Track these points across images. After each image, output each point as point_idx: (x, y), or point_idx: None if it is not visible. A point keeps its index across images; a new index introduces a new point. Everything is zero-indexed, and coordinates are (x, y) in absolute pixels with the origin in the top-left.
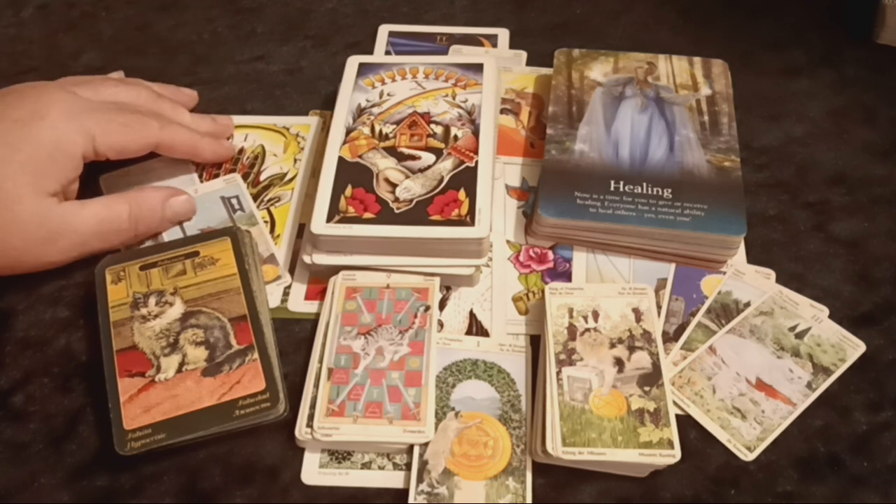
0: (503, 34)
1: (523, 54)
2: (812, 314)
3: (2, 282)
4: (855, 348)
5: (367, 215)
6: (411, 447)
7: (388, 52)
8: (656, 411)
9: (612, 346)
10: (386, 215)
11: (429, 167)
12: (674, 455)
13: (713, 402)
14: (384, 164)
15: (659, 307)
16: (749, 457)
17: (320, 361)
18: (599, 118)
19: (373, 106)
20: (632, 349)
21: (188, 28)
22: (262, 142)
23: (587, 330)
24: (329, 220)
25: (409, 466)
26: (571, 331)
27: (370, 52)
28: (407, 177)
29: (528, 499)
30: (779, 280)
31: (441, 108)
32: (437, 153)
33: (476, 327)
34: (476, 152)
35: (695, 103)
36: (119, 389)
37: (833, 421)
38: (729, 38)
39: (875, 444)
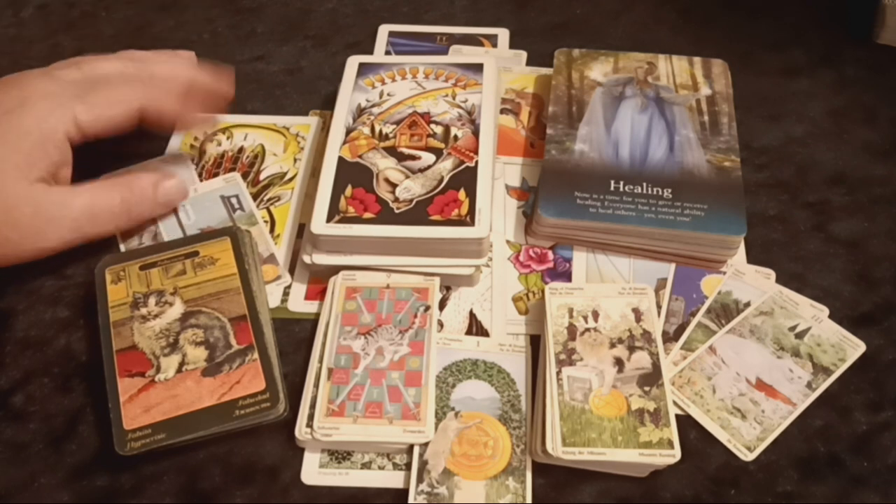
0: (503, 34)
1: (523, 54)
2: (812, 314)
3: (2, 282)
4: (855, 348)
5: (367, 215)
6: (411, 447)
7: (388, 52)
8: (656, 411)
9: (612, 346)
10: (386, 215)
11: (429, 167)
12: (674, 455)
13: (713, 402)
14: (384, 164)
15: (659, 307)
16: (749, 457)
17: (320, 361)
18: (599, 118)
19: (373, 106)
20: (632, 349)
21: (188, 28)
22: (261, 141)
23: (587, 330)
24: (329, 220)
25: (409, 466)
26: (571, 331)
27: (370, 52)
28: (407, 177)
29: (528, 499)
30: (779, 280)
31: (441, 108)
32: (437, 153)
33: (476, 327)
34: (476, 152)
35: (695, 103)
36: (119, 389)
37: (833, 421)
38: (729, 38)
39: (875, 444)
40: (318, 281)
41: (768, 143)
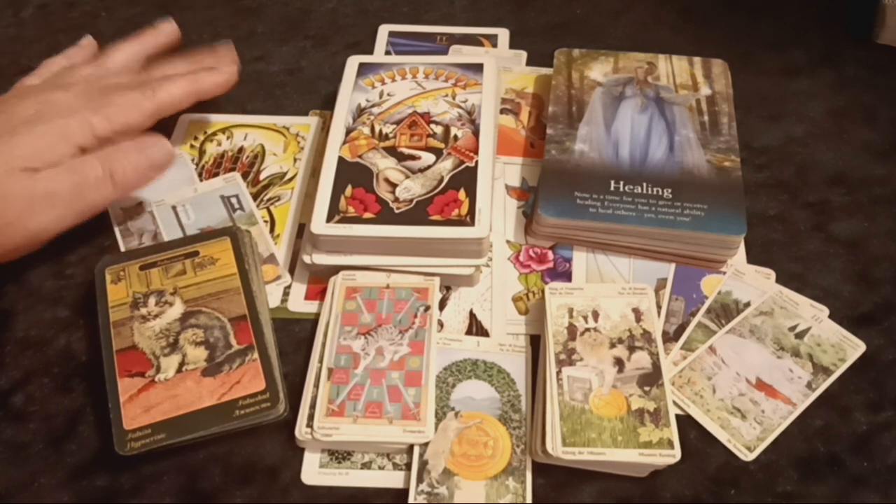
0: (503, 34)
1: (523, 54)
2: (812, 314)
3: (2, 282)
4: (855, 348)
5: (367, 215)
6: (411, 447)
7: (388, 52)
8: (656, 411)
9: (612, 346)
10: (386, 215)
11: (429, 167)
12: (674, 455)
13: (713, 402)
14: (384, 164)
15: (659, 307)
16: (749, 457)
17: (320, 361)
18: (599, 118)
19: (373, 106)
20: (632, 349)
21: (188, 28)
22: (261, 141)
23: (587, 330)
24: (329, 220)
25: (409, 466)
26: (571, 331)
27: (370, 52)
28: (407, 177)
29: (528, 499)
30: (779, 280)
31: (441, 108)
32: (437, 153)
33: (476, 327)
34: (476, 152)
35: (695, 103)
36: (119, 389)
37: (833, 421)
38: (729, 38)
39: (875, 444)
40: (318, 281)
41: (768, 143)
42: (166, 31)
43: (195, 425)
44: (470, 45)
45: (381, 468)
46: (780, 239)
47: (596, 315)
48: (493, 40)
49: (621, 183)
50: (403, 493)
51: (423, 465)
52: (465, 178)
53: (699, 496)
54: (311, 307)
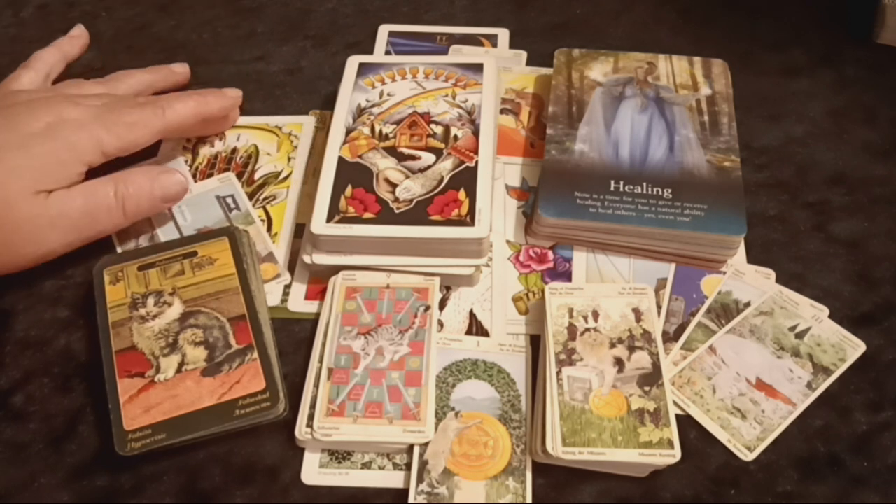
0: (503, 34)
1: (523, 54)
2: (812, 314)
3: (2, 282)
4: (855, 348)
5: (367, 215)
6: (411, 447)
7: (388, 52)
8: (656, 411)
9: (612, 346)
10: (386, 215)
11: (429, 167)
12: (674, 455)
13: (713, 402)
14: (384, 164)
15: (659, 307)
16: (749, 457)
17: (320, 361)
18: (599, 118)
19: (373, 106)
20: (632, 349)
21: (188, 28)
22: (254, 141)
23: (587, 330)
24: (329, 220)
25: (409, 466)
26: (571, 331)
27: (370, 52)
28: (407, 177)
29: (528, 499)
30: (779, 280)
31: (441, 108)
32: (437, 153)
33: (476, 327)
34: (476, 152)
35: (695, 103)
36: (119, 390)
37: (833, 421)
38: (729, 38)
39: (875, 444)
40: (318, 281)
41: (768, 143)
42: (179, 70)
43: (195, 425)
44: (470, 45)
45: (381, 468)
46: (780, 239)
47: (596, 315)
48: (493, 40)
49: (621, 183)
50: (403, 493)
51: (423, 465)
52: (465, 178)
53: (699, 496)
54: (311, 307)
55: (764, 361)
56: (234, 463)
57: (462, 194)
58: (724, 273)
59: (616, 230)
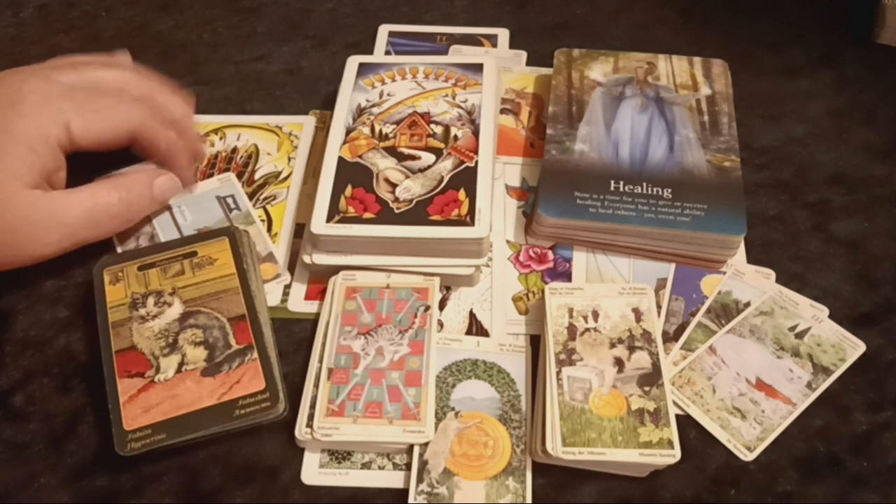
0: (503, 34)
1: (523, 54)
2: (812, 314)
3: (2, 282)
4: (855, 348)
5: (367, 215)
6: (411, 447)
7: (388, 52)
8: (656, 411)
9: (612, 346)
10: (386, 215)
11: (429, 167)
12: (674, 455)
13: (713, 402)
14: (384, 164)
15: (659, 307)
16: (749, 457)
17: (320, 361)
18: (599, 118)
19: (373, 106)
20: (632, 349)
21: (188, 28)
22: (255, 141)
23: (587, 330)
24: (329, 220)
25: (409, 466)
26: (571, 331)
27: (370, 52)
28: (407, 177)
29: (528, 499)
30: (779, 280)
31: (441, 108)
32: (437, 153)
33: (476, 327)
34: (476, 152)
35: (695, 103)
36: (119, 390)
37: (833, 421)
38: (729, 38)
39: (875, 444)
40: (318, 281)
41: (768, 143)
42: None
43: (195, 425)
44: (470, 45)
45: (381, 468)
46: (780, 239)
47: (596, 315)
48: (493, 40)
49: (621, 183)
50: (403, 493)
51: (423, 465)
52: (465, 178)
53: (699, 496)
54: (311, 307)
55: (764, 361)
56: (234, 463)
57: (462, 194)
58: (724, 273)
59: (616, 230)
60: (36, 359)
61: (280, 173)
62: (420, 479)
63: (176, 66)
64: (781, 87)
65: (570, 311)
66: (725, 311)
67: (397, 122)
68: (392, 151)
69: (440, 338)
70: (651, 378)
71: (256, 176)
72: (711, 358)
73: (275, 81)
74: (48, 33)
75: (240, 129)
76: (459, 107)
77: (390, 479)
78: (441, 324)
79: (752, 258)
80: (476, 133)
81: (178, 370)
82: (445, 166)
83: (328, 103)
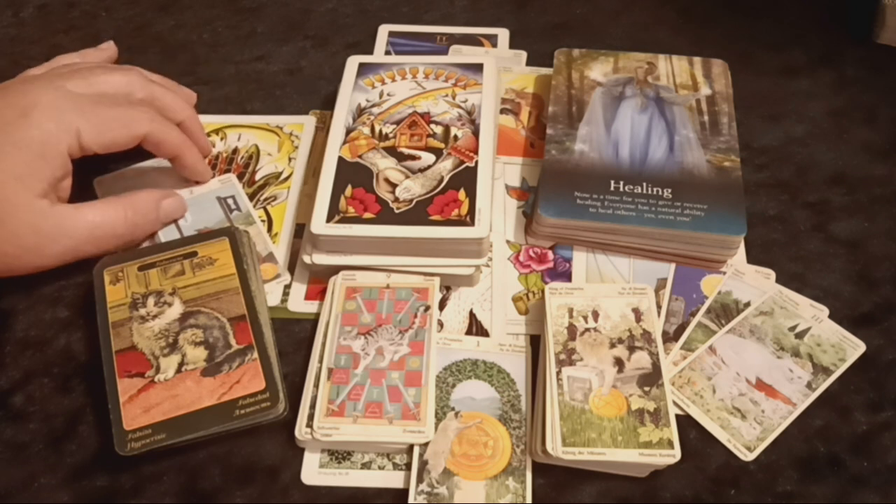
0: (503, 34)
1: (523, 54)
2: (812, 314)
3: (2, 282)
4: (855, 348)
5: (367, 215)
6: (411, 447)
7: (388, 52)
8: (656, 411)
9: (612, 346)
10: (386, 215)
11: (429, 167)
12: (674, 455)
13: (713, 402)
14: (384, 164)
15: (659, 307)
16: (749, 457)
17: (320, 361)
18: (599, 118)
19: (373, 106)
20: (632, 349)
21: (188, 28)
22: (255, 141)
23: (587, 330)
24: (329, 220)
25: (409, 466)
26: (571, 331)
27: (370, 52)
28: (407, 177)
29: (528, 499)
30: (779, 280)
31: (441, 108)
32: (437, 153)
33: (476, 327)
34: (476, 152)
35: (695, 103)
36: (119, 390)
37: (833, 421)
38: (729, 38)
39: (875, 444)
40: (318, 281)
41: (768, 143)
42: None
43: (195, 425)
44: (470, 45)
45: (381, 468)
46: (780, 239)
47: (596, 315)
48: (493, 40)
49: (621, 183)
50: (403, 493)
51: (423, 465)
52: (465, 178)
53: (699, 496)
54: (311, 307)
55: (764, 361)
56: (234, 463)
57: (462, 194)
58: (724, 273)
59: (616, 230)
60: (36, 359)
61: (281, 174)
62: (420, 479)
63: (176, 66)
64: (781, 87)
65: (570, 311)
66: (725, 311)
67: (397, 122)
68: (392, 151)
69: (440, 338)
70: (651, 378)
71: (257, 177)
72: (711, 358)
73: (275, 81)
74: (48, 33)
75: (240, 129)
76: (459, 107)
77: (390, 479)
78: (441, 324)
79: (752, 258)
80: (476, 133)
81: (178, 370)
82: (445, 166)
83: (328, 103)
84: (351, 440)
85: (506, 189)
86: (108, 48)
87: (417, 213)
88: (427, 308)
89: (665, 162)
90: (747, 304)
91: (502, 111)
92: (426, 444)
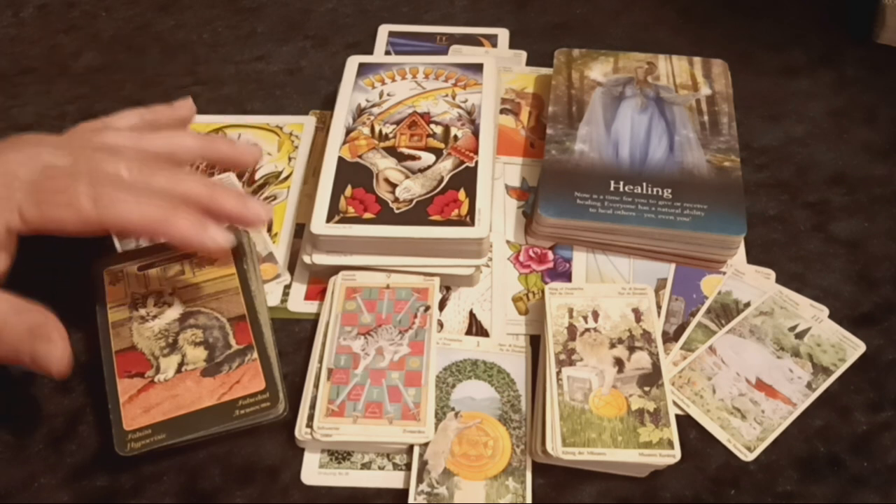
0: (503, 34)
1: (523, 54)
2: (812, 314)
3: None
4: (855, 348)
5: (367, 215)
6: (411, 447)
7: (388, 52)
8: (656, 411)
9: (612, 346)
10: (386, 215)
11: (429, 167)
12: (674, 455)
13: (713, 402)
14: (384, 164)
15: (659, 307)
16: (749, 457)
17: (320, 361)
18: (599, 118)
19: (373, 106)
20: (632, 349)
21: (188, 28)
22: (255, 141)
23: (587, 330)
24: (329, 220)
25: (409, 466)
26: (571, 331)
27: (370, 52)
28: (407, 177)
29: (528, 499)
30: (779, 280)
31: (441, 108)
32: (437, 153)
33: (476, 327)
34: (476, 152)
35: (695, 103)
36: (119, 390)
37: (833, 421)
38: (729, 38)
39: (875, 444)
40: (318, 281)
41: (768, 143)
42: (182, 108)
43: (195, 425)
44: (470, 45)
45: (381, 468)
46: (780, 239)
47: (596, 315)
48: (493, 40)
49: (621, 183)
50: (403, 493)
51: (423, 465)
52: (465, 178)
53: (699, 496)
54: (311, 307)
55: (764, 361)
56: (234, 463)
57: (462, 194)
58: (724, 273)
59: (616, 230)
60: None
61: (280, 173)
62: (420, 480)
63: (176, 66)
64: (781, 87)
65: (570, 311)
66: (725, 311)
67: (397, 122)
68: (392, 151)
69: (440, 338)
70: (651, 378)
71: (257, 176)
72: (711, 358)
73: (275, 81)
74: (48, 33)
75: (240, 129)
76: (459, 107)
77: (390, 479)
78: (441, 324)
79: (752, 258)
80: (476, 133)
81: (178, 370)
82: (445, 166)
83: (328, 103)
84: (351, 440)
85: (506, 189)
86: (184, 106)
87: (417, 214)
88: (427, 308)
89: (665, 162)
90: (747, 305)
91: (502, 111)
92: (426, 445)
